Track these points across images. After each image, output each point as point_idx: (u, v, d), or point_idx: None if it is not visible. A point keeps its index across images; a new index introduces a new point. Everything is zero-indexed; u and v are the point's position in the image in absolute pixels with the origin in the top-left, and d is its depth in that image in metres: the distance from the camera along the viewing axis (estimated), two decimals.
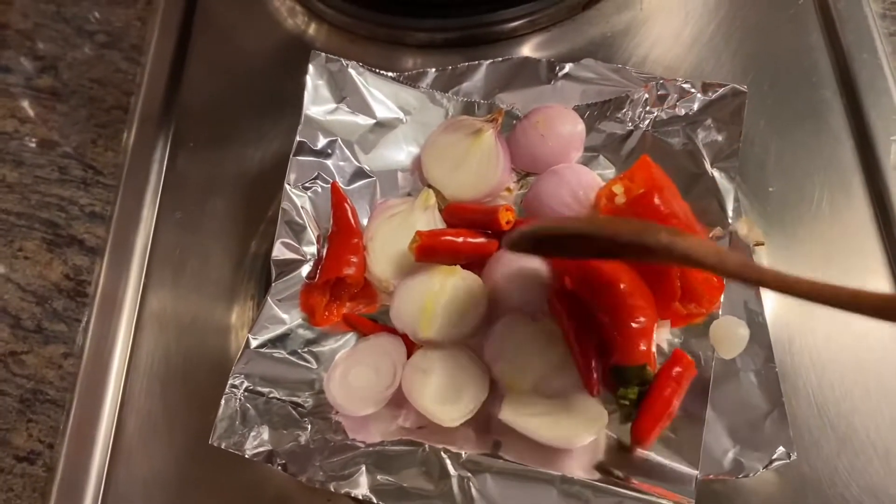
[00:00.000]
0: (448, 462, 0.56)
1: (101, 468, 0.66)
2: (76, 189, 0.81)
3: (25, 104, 0.88)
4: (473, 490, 0.54)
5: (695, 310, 0.59)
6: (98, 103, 0.87)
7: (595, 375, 0.56)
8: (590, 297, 0.59)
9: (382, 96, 0.71)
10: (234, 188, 0.77)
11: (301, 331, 0.64)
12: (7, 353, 0.73)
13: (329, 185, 0.68)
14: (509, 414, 0.58)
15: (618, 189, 0.63)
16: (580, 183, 0.65)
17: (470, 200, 0.68)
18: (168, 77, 0.85)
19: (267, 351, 0.62)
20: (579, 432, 0.56)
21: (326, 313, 0.65)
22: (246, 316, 0.70)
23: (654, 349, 0.59)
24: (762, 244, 0.62)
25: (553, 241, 0.54)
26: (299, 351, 0.63)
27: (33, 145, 0.85)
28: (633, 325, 0.57)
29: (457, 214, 0.67)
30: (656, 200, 0.59)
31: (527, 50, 0.80)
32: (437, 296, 0.61)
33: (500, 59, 0.73)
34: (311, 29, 0.87)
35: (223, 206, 0.76)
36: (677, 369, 0.58)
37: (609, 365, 0.58)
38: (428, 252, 0.63)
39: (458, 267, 0.63)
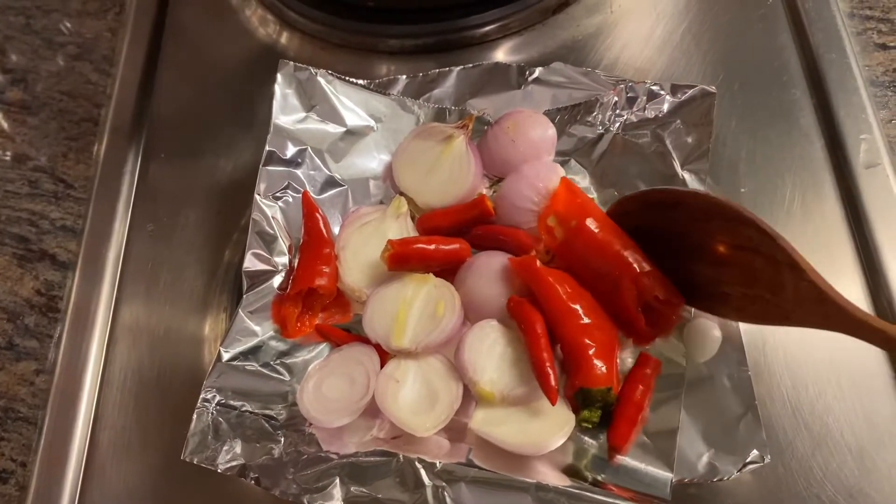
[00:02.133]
0: (423, 472, 0.56)
1: (74, 486, 0.66)
2: (47, 203, 0.80)
3: None
4: (448, 499, 0.54)
5: (661, 328, 0.60)
6: (69, 116, 0.86)
7: (553, 384, 0.55)
8: (551, 317, 0.59)
9: (352, 104, 0.71)
10: (207, 199, 0.76)
11: (273, 343, 0.64)
12: None
13: (299, 195, 0.68)
14: (479, 423, 0.58)
15: (552, 221, 0.63)
16: (539, 176, 0.64)
17: (442, 207, 0.67)
18: (139, 88, 0.85)
19: (239, 364, 0.62)
20: (547, 438, 0.56)
21: (299, 324, 0.65)
22: (219, 328, 0.69)
23: (617, 369, 0.58)
24: None
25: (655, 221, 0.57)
26: (272, 363, 0.63)
27: (4, 159, 0.84)
28: (593, 347, 0.57)
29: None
30: (592, 227, 0.60)
31: (499, 54, 0.80)
32: (409, 304, 0.61)
33: (471, 65, 0.73)
34: (283, 38, 0.86)
35: (196, 216, 0.76)
36: (645, 371, 0.58)
37: (574, 386, 0.58)
38: (400, 260, 0.62)
39: (431, 275, 0.63)
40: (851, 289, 0.63)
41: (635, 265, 0.58)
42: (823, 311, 0.51)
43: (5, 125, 0.86)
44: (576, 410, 0.58)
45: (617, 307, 0.59)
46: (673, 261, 0.59)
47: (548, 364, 0.56)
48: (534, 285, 0.60)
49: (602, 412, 0.57)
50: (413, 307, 0.61)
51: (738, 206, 0.54)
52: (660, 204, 0.59)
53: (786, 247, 0.52)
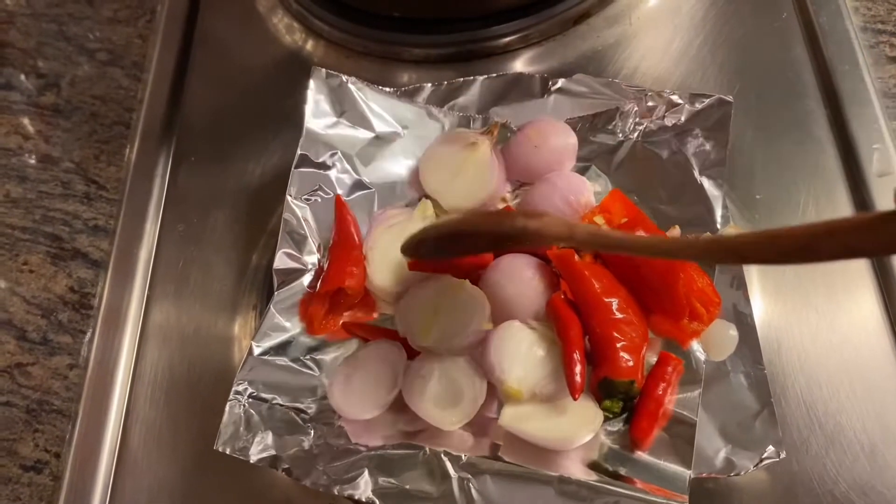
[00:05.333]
0: (448, 464, 0.58)
1: (107, 477, 0.68)
2: (79, 203, 0.83)
3: (28, 121, 0.89)
4: (474, 491, 0.56)
5: (697, 327, 0.61)
6: (100, 119, 0.88)
7: (578, 380, 0.57)
8: (583, 309, 0.61)
9: (381, 111, 0.73)
10: (236, 201, 0.79)
11: (303, 339, 0.66)
12: (13, 364, 0.74)
13: (329, 197, 0.70)
14: (508, 419, 0.59)
15: (600, 220, 0.65)
16: (570, 188, 0.67)
17: (466, 209, 0.69)
18: (169, 93, 0.87)
19: (270, 358, 0.64)
20: (575, 433, 0.57)
21: (324, 322, 0.67)
22: (248, 326, 0.71)
23: (643, 365, 0.60)
24: None
25: (438, 244, 0.57)
26: (301, 358, 0.65)
27: (36, 161, 0.86)
28: (623, 341, 0.59)
29: None
30: (638, 234, 0.61)
31: (519, 64, 0.82)
32: (440, 306, 0.63)
33: (495, 74, 0.75)
34: (309, 45, 0.89)
35: (225, 218, 0.78)
36: (667, 369, 0.60)
37: (599, 376, 0.60)
38: (424, 263, 0.64)
39: (466, 281, 0.64)
40: (865, 293, 0.65)
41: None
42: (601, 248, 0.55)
43: (39, 128, 0.89)
44: (599, 400, 0.60)
45: (665, 297, 0.60)
46: (484, 244, 0.57)
47: (578, 364, 0.58)
48: (569, 278, 0.62)
49: (624, 406, 0.59)
50: (444, 309, 0.63)
51: (476, 226, 0.55)
52: (437, 238, 0.58)
53: (541, 234, 0.51)
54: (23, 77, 0.93)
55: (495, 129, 0.70)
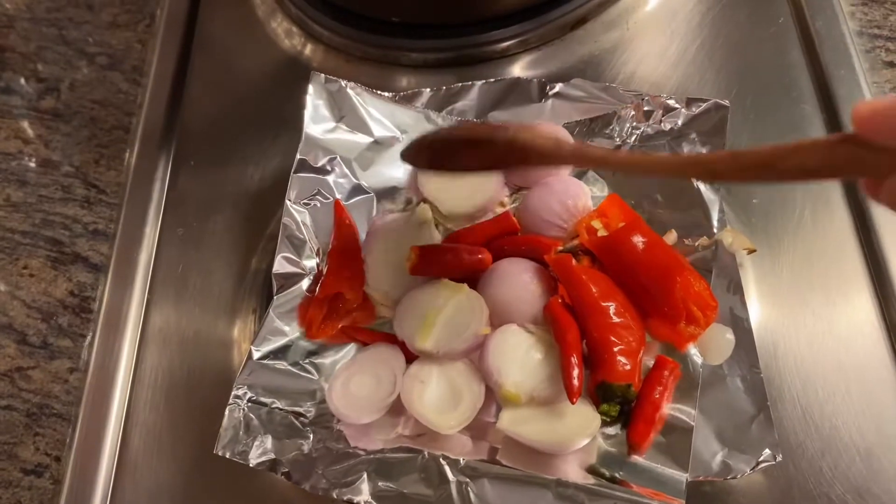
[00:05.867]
0: (447, 468, 0.58)
1: (107, 480, 0.68)
2: (79, 207, 0.83)
3: (28, 125, 0.90)
4: (472, 495, 0.56)
5: (694, 330, 0.62)
6: (100, 124, 0.89)
7: (576, 384, 0.57)
8: (581, 313, 0.62)
9: (380, 115, 0.74)
10: (235, 205, 0.79)
11: (302, 343, 0.66)
12: (14, 368, 0.75)
13: (328, 201, 0.70)
14: (506, 423, 0.59)
15: (597, 224, 0.66)
16: (568, 193, 0.67)
17: (464, 213, 0.70)
18: (168, 97, 0.87)
19: (269, 362, 0.64)
20: (573, 437, 0.58)
21: (323, 326, 0.67)
22: (248, 330, 0.72)
23: (640, 369, 0.61)
24: (754, 250, 0.64)
25: (439, 150, 0.58)
26: (301, 362, 0.65)
27: (37, 165, 0.87)
28: (620, 345, 0.60)
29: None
30: (635, 238, 0.63)
31: (517, 69, 0.82)
32: (439, 310, 0.63)
33: (493, 79, 0.75)
34: (308, 50, 0.89)
35: (224, 222, 0.78)
36: (664, 373, 0.60)
37: (596, 380, 0.60)
38: (422, 267, 0.65)
39: (465, 285, 0.65)
40: (861, 297, 0.65)
41: (684, 262, 0.62)
42: (586, 163, 0.59)
43: (39, 132, 0.89)
44: (596, 404, 0.60)
45: (663, 301, 0.61)
46: (485, 147, 0.58)
47: (575, 367, 0.58)
48: (567, 282, 0.62)
49: (621, 409, 0.59)
50: (442, 313, 0.63)
51: (471, 132, 0.59)
52: (431, 141, 0.59)
53: (526, 144, 0.54)
54: (23, 81, 0.93)
55: None
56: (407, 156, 0.60)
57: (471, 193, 0.70)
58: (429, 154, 0.59)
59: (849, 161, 0.40)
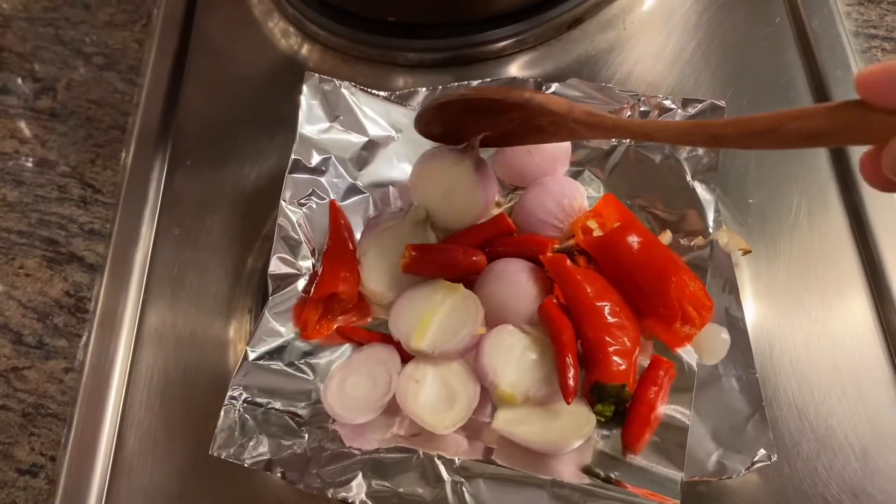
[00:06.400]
0: (442, 468, 0.58)
1: (102, 480, 0.68)
2: (75, 207, 0.83)
3: (25, 125, 0.90)
4: (467, 495, 0.56)
5: (689, 331, 0.61)
6: (96, 123, 0.89)
7: (571, 384, 0.57)
8: (576, 314, 0.62)
9: (374, 115, 0.74)
10: (231, 205, 0.79)
11: (297, 343, 0.66)
12: (9, 368, 0.75)
13: (323, 202, 0.70)
14: (501, 423, 0.59)
15: (593, 224, 0.66)
16: (563, 193, 0.67)
17: (460, 228, 0.69)
18: (165, 97, 0.87)
19: (265, 363, 0.64)
20: (568, 437, 0.58)
21: (318, 327, 0.67)
22: (243, 330, 0.72)
23: (635, 369, 0.60)
24: (749, 251, 0.64)
25: (452, 117, 0.61)
26: (296, 362, 0.65)
27: (33, 165, 0.87)
28: (615, 345, 0.60)
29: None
30: (630, 238, 0.63)
31: (514, 69, 0.82)
32: (435, 310, 0.63)
33: (489, 79, 0.75)
34: (304, 49, 0.89)
35: (220, 222, 0.78)
36: (659, 373, 0.60)
37: (591, 380, 0.60)
38: (417, 266, 0.65)
39: (461, 286, 0.65)
40: (857, 298, 0.65)
41: (680, 262, 0.62)
42: (596, 131, 0.58)
43: (35, 132, 0.89)
44: (591, 404, 0.60)
45: (658, 301, 0.61)
46: (493, 119, 0.61)
47: (570, 368, 0.58)
48: (562, 283, 0.62)
49: (616, 409, 0.59)
50: (438, 313, 0.63)
51: (487, 91, 0.61)
52: (444, 105, 0.61)
53: (540, 104, 0.57)
54: (19, 81, 0.93)
55: (475, 143, 0.68)
56: (421, 126, 0.63)
57: (463, 208, 0.68)
58: (441, 122, 0.61)
59: (851, 125, 0.40)
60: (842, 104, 0.40)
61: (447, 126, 0.62)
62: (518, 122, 0.59)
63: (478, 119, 0.60)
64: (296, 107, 0.72)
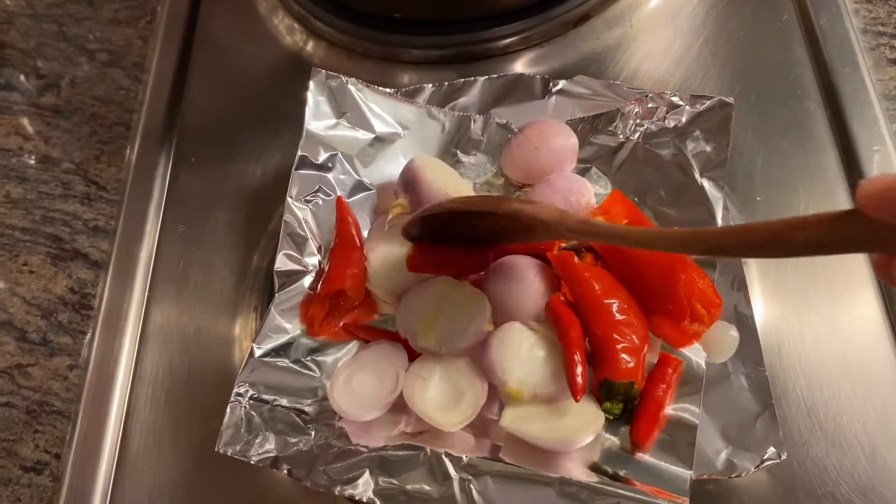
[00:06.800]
0: (449, 465, 0.58)
1: (107, 478, 0.68)
2: (79, 204, 0.83)
3: (28, 121, 0.89)
4: (475, 492, 0.56)
5: (698, 328, 0.61)
6: (100, 120, 0.88)
7: (580, 382, 0.57)
8: (584, 311, 0.61)
9: (381, 111, 0.73)
10: (236, 202, 0.79)
11: (304, 340, 0.66)
12: (13, 365, 0.74)
13: (329, 198, 0.70)
14: (509, 420, 0.59)
15: (600, 221, 0.65)
16: (571, 190, 0.67)
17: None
18: (169, 94, 0.87)
19: (271, 360, 0.64)
20: (577, 435, 0.57)
21: (324, 324, 0.67)
22: (249, 327, 0.71)
23: (643, 366, 0.60)
24: None
25: (439, 224, 0.60)
26: (302, 359, 0.65)
27: (36, 162, 0.86)
28: (623, 343, 0.59)
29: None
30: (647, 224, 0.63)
31: (520, 66, 0.82)
32: (441, 307, 0.63)
33: (496, 75, 0.75)
34: (309, 46, 0.89)
35: (225, 219, 0.78)
36: (667, 370, 0.60)
37: (599, 378, 0.60)
38: (422, 264, 0.64)
39: (467, 283, 0.65)
40: (865, 295, 0.65)
41: (688, 259, 0.61)
42: (589, 236, 0.56)
43: (39, 129, 0.89)
44: (599, 402, 0.60)
45: (667, 299, 0.60)
46: (482, 218, 0.59)
47: (579, 365, 0.57)
48: (570, 280, 0.62)
49: (624, 407, 0.59)
50: (445, 310, 0.63)
51: (471, 205, 0.59)
52: (429, 216, 0.61)
53: (531, 215, 0.56)
54: (22, 77, 0.93)
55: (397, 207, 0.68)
56: (410, 235, 0.63)
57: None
58: (429, 229, 0.61)
59: (858, 236, 0.39)
60: (846, 213, 0.38)
61: (434, 230, 0.62)
62: (507, 224, 0.58)
63: (466, 220, 0.59)
64: (300, 104, 0.72)
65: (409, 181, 0.67)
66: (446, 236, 0.62)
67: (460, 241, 0.63)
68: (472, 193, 0.70)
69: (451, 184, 0.67)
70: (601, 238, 0.55)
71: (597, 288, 0.61)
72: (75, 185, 0.84)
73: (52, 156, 0.87)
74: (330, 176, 0.71)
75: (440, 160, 0.71)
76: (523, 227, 0.57)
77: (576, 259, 0.63)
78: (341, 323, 0.67)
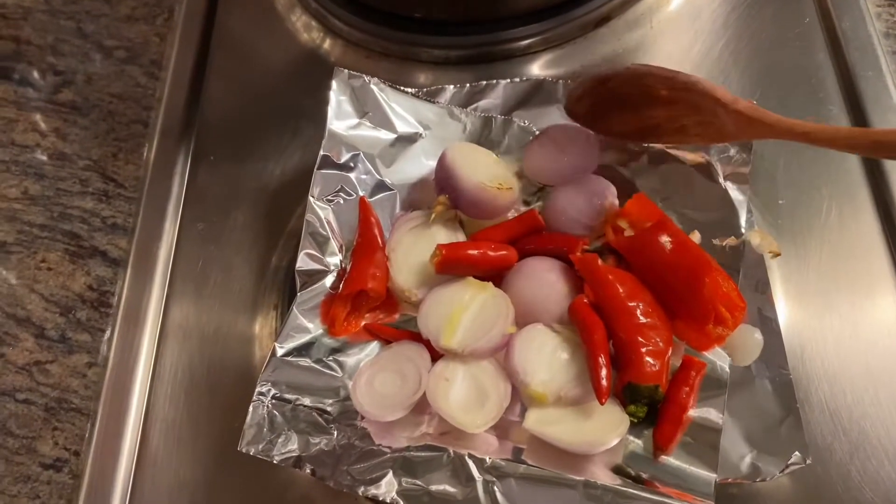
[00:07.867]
0: (473, 467, 0.57)
1: (126, 475, 0.68)
2: (98, 201, 0.83)
3: (46, 118, 0.89)
4: (498, 494, 0.56)
5: (722, 332, 0.61)
6: (118, 117, 0.88)
7: (604, 384, 0.57)
8: (607, 314, 0.61)
9: (403, 111, 0.73)
10: (255, 201, 0.78)
11: (326, 340, 0.66)
12: (32, 362, 0.74)
13: (351, 198, 0.70)
14: (532, 423, 0.59)
15: (624, 223, 0.65)
16: (595, 192, 0.67)
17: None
18: (188, 92, 0.87)
19: (293, 359, 0.64)
20: (601, 438, 0.57)
21: (345, 324, 0.67)
22: (269, 326, 0.71)
23: (667, 369, 0.60)
24: (778, 254, 0.64)
25: (605, 91, 0.63)
26: (324, 359, 0.65)
27: (54, 158, 0.86)
28: (647, 346, 0.59)
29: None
30: (662, 238, 0.63)
31: (540, 67, 0.82)
32: (464, 308, 0.63)
33: (518, 79, 0.75)
34: (327, 44, 0.89)
35: (244, 218, 0.78)
36: (690, 373, 0.60)
37: (623, 381, 0.60)
38: (449, 265, 0.64)
39: (490, 284, 0.64)
40: (888, 299, 0.65)
41: (713, 262, 0.61)
42: (754, 128, 0.59)
43: (56, 125, 0.88)
44: (623, 405, 0.60)
45: (691, 302, 0.60)
46: (636, 113, 0.64)
47: (604, 368, 0.57)
48: (593, 282, 0.62)
49: (648, 410, 0.59)
50: (467, 311, 0.63)
51: (656, 68, 0.63)
52: (603, 80, 0.65)
53: (707, 89, 0.59)
54: (38, 74, 0.93)
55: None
56: (570, 102, 0.67)
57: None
58: (591, 101, 0.64)
59: None
60: None
61: (594, 107, 0.63)
62: (661, 119, 0.59)
63: (621, 110, 0.62)
64: (319, 102, 0.72)
65: (444, 179, 0.67)
66: (599, 118, 0.65)
67: (618, 127, 0.67)
68: (511, 175, 0.70)
69: (489, 171, 0.67)
70: (765, 127, 0.58)
71: (620, 290, 0.61)
72: (93, 183, 0.84)
73: (69, 153, 0.86)
74: (352, 176, 0.71)
75: (474, 144, 0.72)
76: (678, 119, 0.60)
77: (599, 261, 0.62)
78: (362, 323, 0.67)
